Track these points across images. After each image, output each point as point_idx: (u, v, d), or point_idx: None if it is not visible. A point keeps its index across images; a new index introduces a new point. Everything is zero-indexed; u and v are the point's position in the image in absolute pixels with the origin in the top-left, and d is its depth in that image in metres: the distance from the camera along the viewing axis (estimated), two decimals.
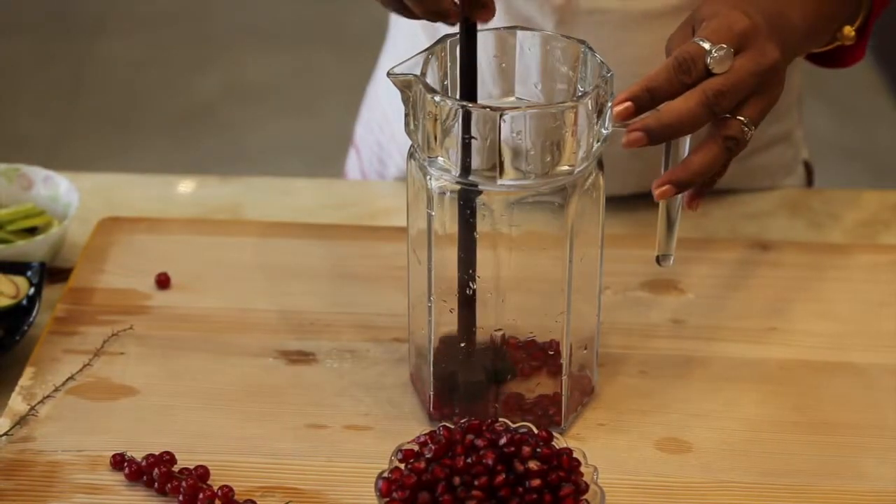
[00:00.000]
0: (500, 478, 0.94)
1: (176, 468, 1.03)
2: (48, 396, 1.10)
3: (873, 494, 1.03)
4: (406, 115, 1.02)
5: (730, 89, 1.01)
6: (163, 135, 3.36)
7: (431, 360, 1.06)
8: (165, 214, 1.34)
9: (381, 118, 1.47)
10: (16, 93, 3.49)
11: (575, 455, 0.97)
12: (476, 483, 0.94)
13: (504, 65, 1.06)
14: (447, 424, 0.99)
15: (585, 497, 0.95)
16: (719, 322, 1.20)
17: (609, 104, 1.00)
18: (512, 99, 1.07)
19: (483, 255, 1.03)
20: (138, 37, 3.75)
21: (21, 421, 1.08)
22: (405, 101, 1.01)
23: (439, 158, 1.00)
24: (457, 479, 0.94)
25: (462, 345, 1.05)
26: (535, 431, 0.98)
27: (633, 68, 1.17)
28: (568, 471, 0.95)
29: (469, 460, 0.95)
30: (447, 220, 1.02)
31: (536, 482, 0.94)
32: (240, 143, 3.33)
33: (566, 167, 1.00)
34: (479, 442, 0.96)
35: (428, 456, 0.96)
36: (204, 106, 3.46)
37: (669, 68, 1.01)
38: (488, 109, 0.98)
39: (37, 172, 1.32)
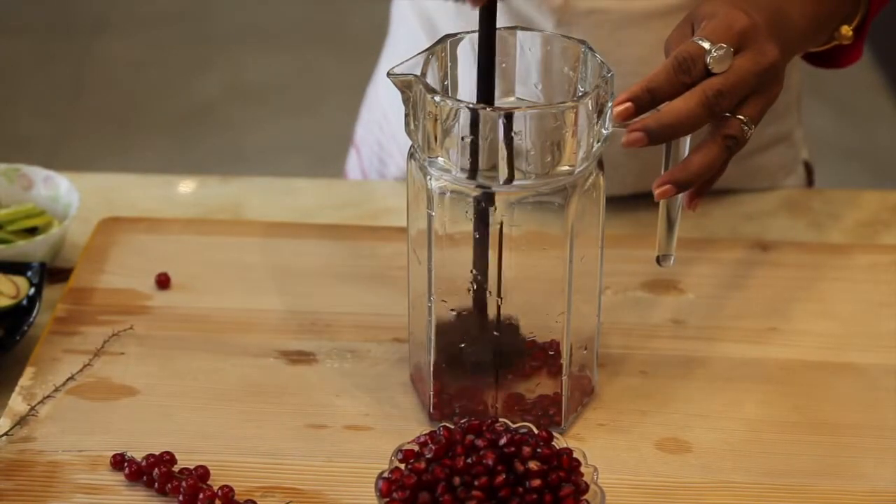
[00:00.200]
0: (501, 478, 0.94)
1: (176, 468, 1.03)
2: (48, 396, 1.10)
3: (873, 495, 1.03)
4: (406, 116, 1.02)
5: (729, 89, 1.01)
6: (163, 135, 3.36)
7: (432, 359, 1.07)
8: (166, 214, 1.34)
9: (381, 118, 1.47)
10: (16, 93, 3.49)
11: (575, 455, 0.97)
12: (476, 483, 0.94)
13: (504, 65, 1.06)
14: (447, 425, 0.99)
15: (585, 497, 0.95)
16: (719, 322, 1.20)
17: (609, 104, 1.00)
18: (512, 99, 1.07)
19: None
20: (139, 37, 3.75)
21: (21, 421, 1.08)
22: (405, 101, 1.01)
23: (439, 158, 1.00)
24: (457, 480, 0.94)
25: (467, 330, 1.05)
26: (536, 431, 0.98)
27: (633, 68, 1.17)
28: (568, 471, 0.95)
29: (469, 460, 0.95)
30: (447, 221, 1.02)
31: (536, 482, 0.94)
32: (240, 143, 3.33)
33: (566, 167, 1.00)
34: (480, 442, 0.96)
35: (428, 456, 0.96)
36: (204, 106, 3.46)
37: (669, 68, 1.01)
38: (488, 109, 0.98)
39: (37, 172, 1.32)
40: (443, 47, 1.04)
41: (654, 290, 1.23)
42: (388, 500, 0.95)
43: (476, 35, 1.05)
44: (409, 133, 1.02)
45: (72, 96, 3.49)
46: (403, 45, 1.38)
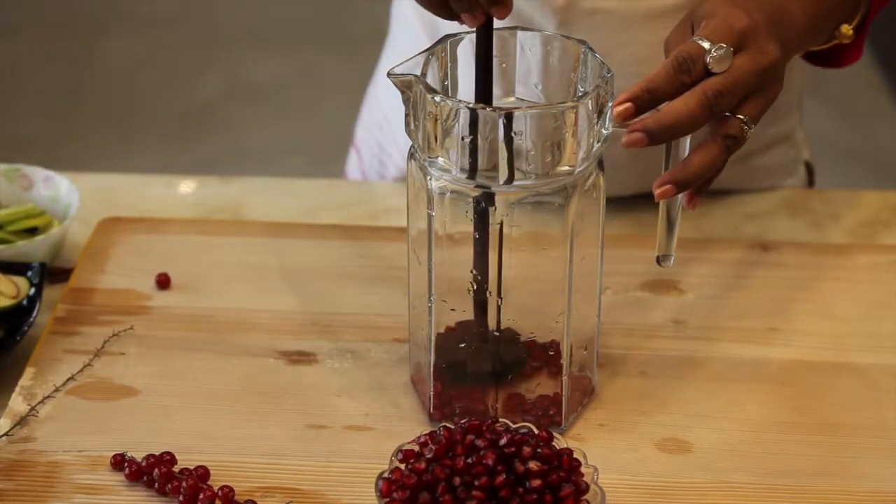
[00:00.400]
0: (501, 478, 0.94)
1: (176, 468, 1.03)
2: (48, 397, 1.10)
3: (874, 495, 1.03)
4: (406, 116, 1.02)
5: (729, 89, 1.01)
6: (163, 135, 3.36)
7: (432, 360, 1.07)
8: (166, 215, 1.34)
9: (381, 119, 1.47)
10: (16, 93, 3.49)
11: (575, 455, 0.97)
12: (476, 483, 0.94)
13: (505, 65, 1.06)
14: (447, 425, 0.99)
15: (586, 497, 0.95)
16: (720, 322, 1.20)
17: (609, 104, 1.00)
18: (512, 99, 1.07)
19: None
20: (139, 37, 3.75)
21: (21, 421, 1.08)
22: (405, 101, 1.01)
23: (439, 159, 1.00)
24: (457, 480, 0.94)
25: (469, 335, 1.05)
26: (536, 432, 0.98)
27: (634, 68, 1.17)
28: (568, 471, 0.95)
29: (469, 460, 0.95)
30: (447, 221, 1.02)
31: (537, 482, 0.94)
32: (240, 143, 3.33)
33: (566, 167, 1.00)
34: (480, 442, 0.96)
35: (428, 456, 0.96)
36: (204, 106, 3.46)
37: (669, 68, 1.01)
38: (488, 109, 0.98)
39: (37, 173, 1.32)
40: (443, 47, 1.04)
41: (655, 290, 1.23)
42: (388, 500, 0.95)
43: (476, 35, 1.05)
44: (409, 133, 1.02)
45: (72, 96, 3.49)
46: (404, 46, 1.38)
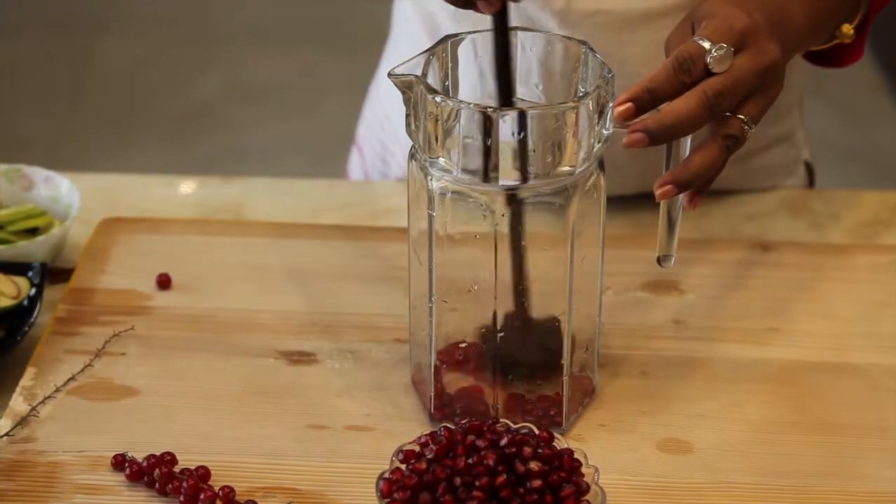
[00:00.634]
0: (501, 478, 0.94)
1: (177, 469, 1.03)
2: (49, 397, 1.10)
3: (874, 495, 1.03)
4: (407, 116, 1.02)
5: (730, 89, 1.01)
6: (164, 135, 3.36)
7: (433, 360, 1.07)
8: (167, 215, 1.34)
9: (383, 118, 1.47)
10: (17, 93, 3.49)
11: (576, 456, 0.97)
12: (477, 484, 0.94)
13: None
14: (448, 425, 0.99)
15: (586, 498, 0.95)
16: (720, 323, 1.20)
17: (610, 105, 1.00)
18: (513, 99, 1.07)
19: (484, 256, 1.03)
20: (139, 37, 3.75)
21: (22, 421, 1.08)
22: (406, 101, 1.01)
23: (440, 159, 1.00)
24: (458, 480, 0.94)
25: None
26: (536, 432, 0.98)
27: (635, 68, 1.17)
28: (569, 471, 0.95)
29: (470, 461, 0.95)
30: (448, 221, 1.02)
31: (537, 483, 0.94)
32: (241, 143, 3.33)
33: (567, 168, 1.00)
34: (480, 442, 0.96)
35: (429, 456, 0.96)
36: (205, 106, 3.46)
37: (669, 68, 1.01)
38: (489, 110, 0.98)
39: (38, 173, 1.32)
40: (444, 48, 1.04)
41: (655, 290, 1.23)
42: (388, 500, 0.95)
43: (477, 36, 1.05)
44: (409, 133, 1.02)
45: (72, 97, 3.49)
46: (405, 45, 1.38)
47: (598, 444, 1.07)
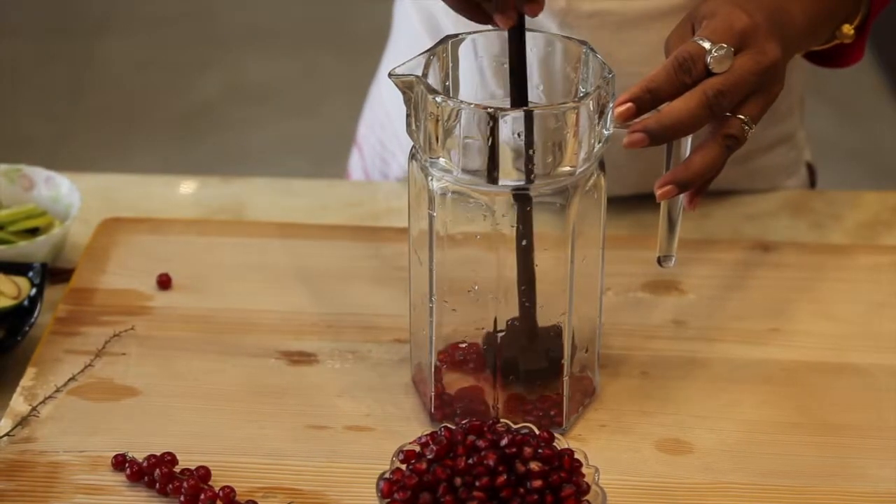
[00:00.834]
0: (502, 479, 0.94)
1: (177, 469, 1.03)
2: (50, 397, 1.10)
3: (875, 496, 1.03)
4: (408, 116, 1.02)
5: (730, 89, 1.01)
6: (164, 135, 3.36)
7: (433, 360, 1.07)
8: (167, 215, 1.34)
9: (383, 117, 1.47)
10: (17, 93, 3.49)
11: (576, 456, 0.97)
12: (477, 484, 0.94)
13: (506, 65, 1.06)
14: (448, 425, 0.99)
15: (587, 498, 0.95)
16: (720, 323, 1.20)
17: (610, 105, 1.00)
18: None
19: (484, 256, 1.03)
20: (140, 37, 3.75)
21: (22, 421, 1.08)
22: (407, 101, 1.01)
23: (441, 159, 1.00)
24: (458, 480, 0.94)
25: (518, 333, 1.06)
26: (537, 432, 0.98)
27: (635, 68, 1.17)
28: (569, 472, 0.95)
29: (470, 461, 0.95)
30: (448, 221, 1.02)
31: (538, 483, 0.94)
32: (242, 143, 3.33)
33: (567, 168, 1.00)
34: (481, 443, 0.96)
35: (429, 457, 0.96)
36: (206, 106, 3.46)
37: (669, 68, 1.01)
38: (489, 110, 0.98)
39: (38, 173, 1.32)
40: (444, 48, 1.04)
41: (656, 290, 1.23)
42: (389, 500, 0.95)
43: (477, 36, 1.05)
44: (410, 133, 1.02)
45: (73, 97, 3.49)
46: (405, 46, 1.38)
47: (599, 444, 1.07)
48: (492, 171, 0.99)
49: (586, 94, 0.99)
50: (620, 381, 1.13)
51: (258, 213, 1.35)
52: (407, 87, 1.01)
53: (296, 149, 3.28)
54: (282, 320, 1.19)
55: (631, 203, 1.32)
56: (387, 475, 0.96)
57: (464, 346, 1.07)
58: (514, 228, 1.02)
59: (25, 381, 1.12)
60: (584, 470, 0.97)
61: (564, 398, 1.07)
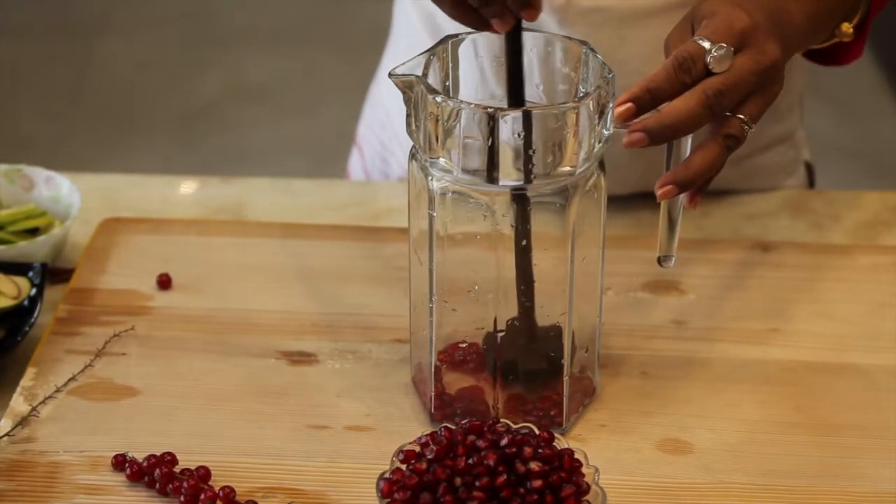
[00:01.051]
0: (502, 478, 0.94)
1: (177, 469, 1.03)
2: (50, 397, 1.10)
3: (875, 496, 1.03)
4: (408, 116, 1.02)
5: (730, 89, 1.01)
6: (165, 135, 3.36)
7: (433, 360, 1.07)
8: (167, 215, 1.34)
9: (383, 117, 1.47)
10: (18, 93, 3.49)
11: (576, 456, 0.97)
12: (477, 484, 0.94)
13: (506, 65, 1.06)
14: (448, 425, 0.99)
15: (587, 498, 0.95)
16: (720, 323, 1.20)
17: (610, 105, 1.00)
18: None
19: (484, 256, 1.03)
20: (140, 37, 3.75)
21: (22, 421, 1.08)
22: (407, 101, 1.01)
23: (441, 159, 1.00)
24: (458, 480, 0.94)
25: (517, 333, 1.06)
26: (537, 432, 0.98)
27: (635, 67, 1.17)
28: (569, 472, 0.95)
29: (470, 461, 0.95)
30: (448, 221, 1.02)
31: (538, 483, 0.94)
32: (242, 143, 3.33)
33: (568, 168, 1.00)
34: (481, 443, 0.96)
35: (429, 457, 0.96)
36: (206, 106, 3.46)
37: (669, 68, 1.01)
38: (489, 110, 0.98)
39: (38, 173, 1.32)
40: (444, 48, 1.04)
41: (656, 290, 1.23)
42: (389, 500, 0.95)
43: (477, 36, 1.05)
44: (410, 133, 1.02)
45: (73, 97, 3.49)
46: (405, 45, 1.38)
47: (599, 444, 1.07)
48: (492, 171, 0.99)
49: (586, 94, 0.99)
50: (620, 381, 1.13)
51: (258, 213, 1.35)
52: (407, 86, 1.01)
53: (296, 149, 3.28)
54: (282, 320, 1.19)
55: (631, 203, 1.32)
56: (387, 475, 0.96)
57: (464, 346, 1.07)
58: (518, 228, 1.02)
59: (25, 381, 1.12)
60: (584, 470, 0.97)
61: (564, 398, 1.07)
